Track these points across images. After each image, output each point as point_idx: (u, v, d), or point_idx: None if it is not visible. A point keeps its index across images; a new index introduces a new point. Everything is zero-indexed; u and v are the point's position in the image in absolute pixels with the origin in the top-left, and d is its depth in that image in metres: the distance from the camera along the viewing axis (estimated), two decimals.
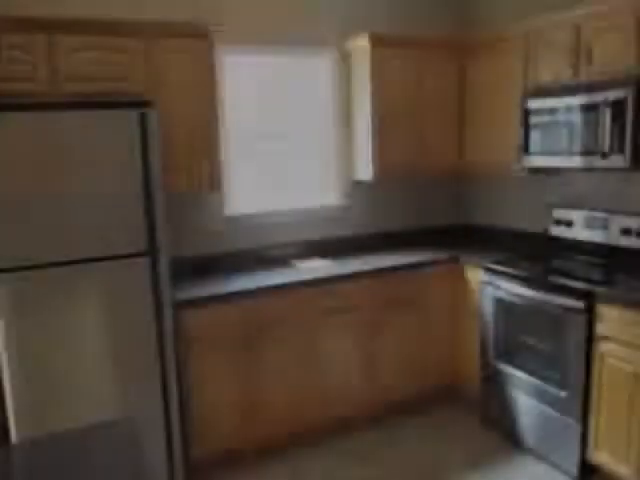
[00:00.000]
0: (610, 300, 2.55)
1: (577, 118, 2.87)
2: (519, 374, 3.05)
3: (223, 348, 2.88)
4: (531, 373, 2.97)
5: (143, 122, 2.51)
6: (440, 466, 2.95)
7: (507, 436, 3.18)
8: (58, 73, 2.62)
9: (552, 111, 3.00)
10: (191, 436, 2.86)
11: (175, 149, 2.92)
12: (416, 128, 3.64)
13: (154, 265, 2.60)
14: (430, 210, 4.21)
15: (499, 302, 3.15)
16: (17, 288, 2.37)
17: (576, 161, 2.90)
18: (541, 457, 2.97)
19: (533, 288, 2.92)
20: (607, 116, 2.71)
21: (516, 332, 3.06)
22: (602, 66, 2.78)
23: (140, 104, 2.74)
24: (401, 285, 3.35)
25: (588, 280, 2.80)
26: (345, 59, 3.70)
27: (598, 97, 2.74)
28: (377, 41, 3.42)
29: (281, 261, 3.56)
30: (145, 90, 2.81)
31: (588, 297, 2.63)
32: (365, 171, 3.62)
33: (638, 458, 2.48)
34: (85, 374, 2.52)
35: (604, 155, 2.74)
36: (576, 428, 2.72)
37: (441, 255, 3.55)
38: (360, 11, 3.72)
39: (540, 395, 2.92)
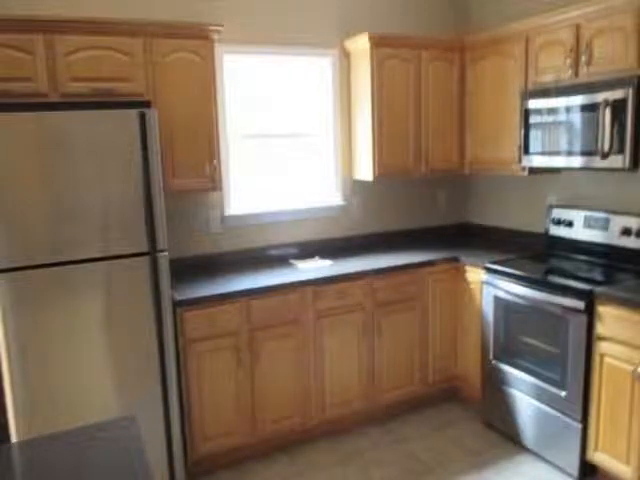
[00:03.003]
0: (610, 300, 2.55)
1: (577, 118, 2.87)
2: (519, 374, 3.05)
3: (223, 348, 2.88)
4: (531, 373, 2.97)
5: (143, 122, 2.50)
6: (440, 466, 2.95)
7: (507, 436, 3.19)
8: (58, 73, 2.62)
9: (552, 111, 3.01)
10: (191, 436, 2.86)
11: (175, 149, 2.93)
12: (416, 128, 3.64)
13: (154, 265, 2.60)
14: (430, 210, 4.21)
15: (499, 302, 3.15)
16: (17, 288, 2.37)
17: (576, 161, 2.91)
18: (541, 457, 2.97)
19: (533, 288, 2.92)
20: (607, 116, 2.71)
21: (516, 332, 3.06)
22: (602, 66, 2.78)
23: (140, 104, 2.75)
24: (401, 285, 3.35)
25: (588, 280, 2.80)
26: (345, 59, 3.71)
27: (598, 97, 2.75)
28: (377, 41, 3.42)
29: (281, 261, 3.56)
30: (145, 90, 2.81)
31: (588, 297, 2.63)
32: (366, 171, 3.62)
33: (638, 458, 2.48)
34: (85, 374, 2.53)
35: (604, 155, 2.74)
36: (576, 428, 2.72)
37: (441, 255, 3.54)
38: (360, 11, 3.73)
39: (540, 395, 2.92)
